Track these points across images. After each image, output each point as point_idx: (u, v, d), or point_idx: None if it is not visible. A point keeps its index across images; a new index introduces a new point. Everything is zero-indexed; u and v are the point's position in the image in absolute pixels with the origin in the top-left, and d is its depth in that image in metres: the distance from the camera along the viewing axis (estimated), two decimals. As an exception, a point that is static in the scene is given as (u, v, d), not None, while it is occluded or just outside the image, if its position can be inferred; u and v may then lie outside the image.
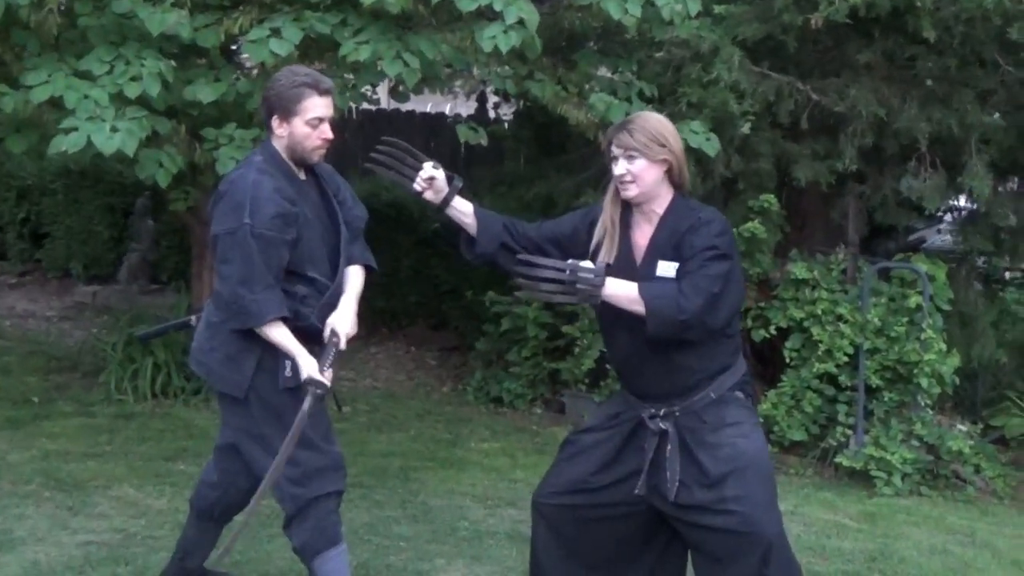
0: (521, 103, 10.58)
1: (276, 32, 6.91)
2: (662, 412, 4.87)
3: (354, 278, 5.31)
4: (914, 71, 8.85)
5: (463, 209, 5.05)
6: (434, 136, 14.17)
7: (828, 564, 6.95)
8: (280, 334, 4.99)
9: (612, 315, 4.85)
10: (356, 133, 14.21)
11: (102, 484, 7.40)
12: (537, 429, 9.86)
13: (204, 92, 7.12)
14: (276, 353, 5.05)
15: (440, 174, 4.98)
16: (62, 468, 7.67)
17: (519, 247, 4.99)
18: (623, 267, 4.85)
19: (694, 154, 8.27)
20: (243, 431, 5.19)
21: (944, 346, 9.05)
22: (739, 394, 4.91)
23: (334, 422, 7.49)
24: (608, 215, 4.95)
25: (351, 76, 7.29)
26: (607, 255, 4.89)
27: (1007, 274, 11.20)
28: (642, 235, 4.90)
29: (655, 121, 4.91)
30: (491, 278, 10.92)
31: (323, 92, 5.10)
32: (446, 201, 5.01)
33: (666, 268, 4.78)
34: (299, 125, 5.06)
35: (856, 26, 8.68)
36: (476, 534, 6.94)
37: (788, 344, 9.39)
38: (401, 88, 7.58)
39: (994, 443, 9.76)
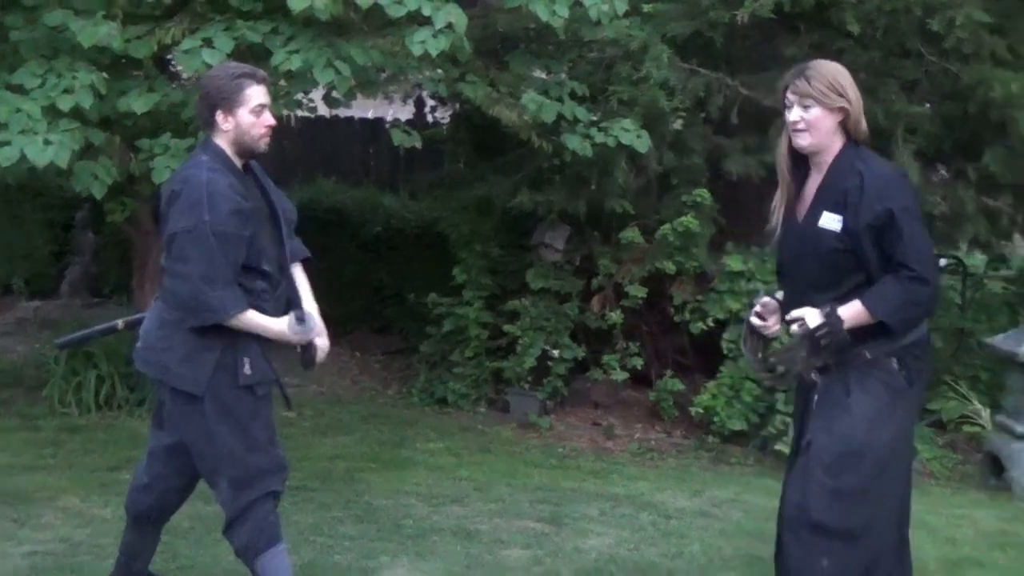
0: (457, 106, 10.67)
1: (208, 42, 6.98)
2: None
3: (302, 277, 5.43)
4: (840, 63, 8.97)
5: None
6: (373, 142, 14.24)
7: (768, 548, 6.92)
8: (247, 319, 5.04)
9: (789, 254, 4.92)
10: (295, 140, 14.27)
11: (47, 496, 7.40)
12: (482, 428, 9.95)
13: (137, 103, 7.17)
14: (235, 350, 5.10)
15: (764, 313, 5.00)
16: (7, 481, 7.67)
17: None
18: (789, 222, 4.87)
19: (626, 151, 8.42)
20: (194, 429, 5.21)
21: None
22: (894, 363, 4.77)
23: (281, 426, 7.55)
24: (781, 165, 4.92)
25: (284, 84, 7.35)
26: (781, 208, 4.91)
27: (941, 261, 11.34)
28: (812, 185, 4.84)
29: (833, 68, 4.82)
30: (433, 280, 11.00)
31: (260, 80, 5.19)
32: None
33: (829, 220, 4.70)
34: (244, 115, 5.11)
35: (783, 21, 8.82)
36: (421, 531, 7.00)
37: (726, 335, 9.51)
38: (334, 94, 7.64)
39: (932, 427, 9.91)
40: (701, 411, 9.47)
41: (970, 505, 8.36)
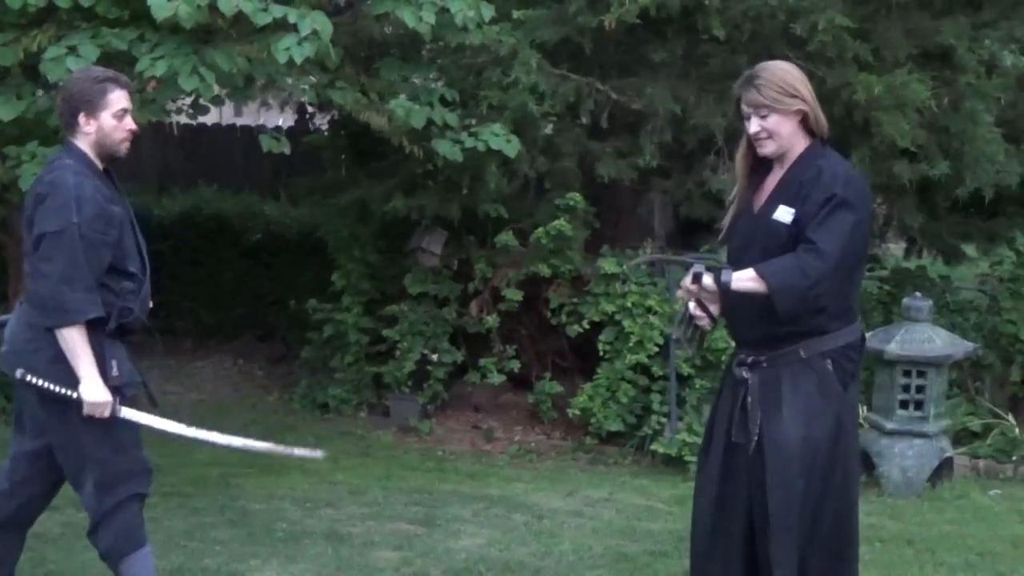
0: (336, 112, 10.71)
1: (73, 49, 6.95)
2: (750, 360, 4.76)
3: None
4: (708, 68, 9.13)
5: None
6: (253, 149, 14.20)
7: (637, 545, 7.15)
8: (79, 339, 4.99)
9: (738, 244, 4.82)
10: (177, 148, 14.23)
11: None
12: (362, 433, 10.01)
13: (4, 110, 7.13)
14: (103, 352, 5.08)
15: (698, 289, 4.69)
16: None
17: None
18: (743, 214, 4.81)
19: (497, 156, 8.51)
20: (61, 431, 5.18)
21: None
22: (828, 364, 4.68)
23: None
24: (740, 168, 4.84)
25: (151, 91, 7.34)
26: (736, 206, 4.86)
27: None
28: (772, 179, 4.75)
29: (782, 71, 4.72)
30: (314, 287, 11.02)
31: (123, 86, 5.23)
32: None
33: (783, 212, 4.62)
34: (107, 119, 5.13)
35: (651, 26, 8.94)
36: (292, 535, 7.04)
37: (602, 337, 9.62)
38: (201, 101, 7.65)
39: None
40: (578, 413, 9.57)
41: (840, 500, 8.52)
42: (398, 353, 10.23)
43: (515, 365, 10.05)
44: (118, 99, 5.17)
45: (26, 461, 5.40)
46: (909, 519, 8.02)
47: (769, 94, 4.62)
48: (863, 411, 9.38)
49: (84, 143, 5.18)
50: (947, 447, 8.91)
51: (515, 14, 9.01)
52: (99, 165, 5.22)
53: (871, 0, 9.04)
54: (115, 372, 5.13)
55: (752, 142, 4.75)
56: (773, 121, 4.64)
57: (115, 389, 5.13)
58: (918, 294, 9.18)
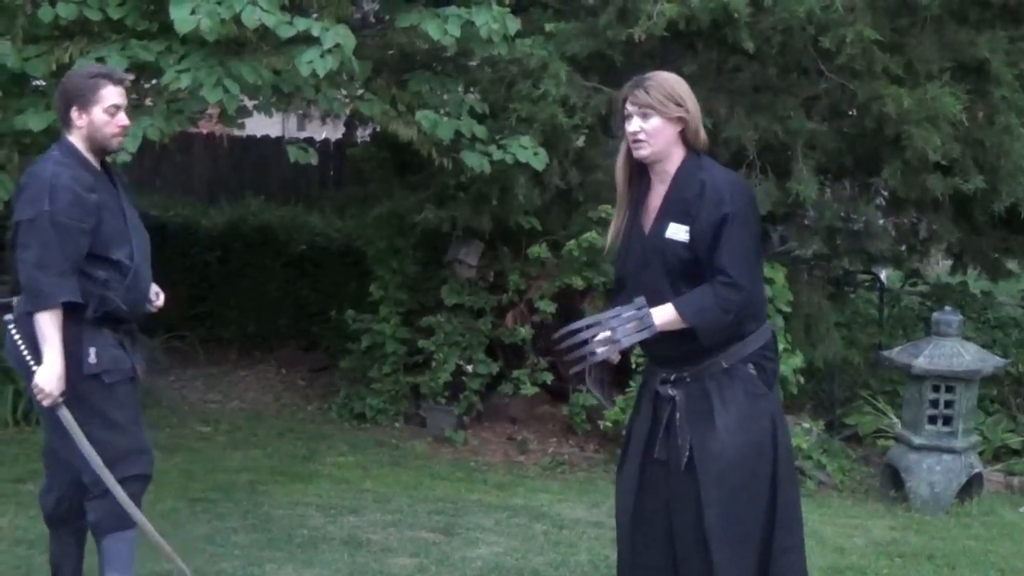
0: (378, 126, 10.79)
1: (101, 61, 7.07)
2: (672, 378, 4.85)
3: None
4: (738, 81, 9.13)
5: None
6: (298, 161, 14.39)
7: None
8: (50, 325, 5.13)
9: (633, 266, 4.91)
10: (226, 159, 14.39)
11: (-54, 505, 7.51)
12: (396, 443, 10.05)
13: (34, 120, 7.25)
14: (80, 339, 5.25)
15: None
16: (-90, 491, 7.77)
17: None
18: (634, 233, 4.91)
19: (527, 168, 8.56)
20: (52, 418, 5.30)
21: (786, 346, 9.29)
22: (751, 368, 4.85)
23: (194, 440, 7.60)
24: (619, 178, 4.95)
25: (176, 103, 7.45)
26: (619, 220, 4.97)
27: (860, 276, 11.52)
28: (656, 197, 4.87)
29: (671, 79, 4.84)
30: (357, 298, 11.10)
31: (117, 82, 5.40)
32: None
33: (676, 230, 4.74)
34: (98, 114, 5.32)
35: (681, 39, 8.96)
36: (312, 540, 7.13)
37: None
38: (230, 112, 7.75)
39: (849, 440, 10.06)
40: (610, 425, 9.57)
41: (866, 515, 8.50)
42: (434, 364, 10.29)
43: (548, 377, 10.07)
44: (110, 95, 5.34)
45: (48, 454, 5.62)
46: (933, 534, 8.01)
47: (656, 96, 4.75)
48: (897, 425, 9.39)
49: (76, 137, 5.38)
50: (976, 463, 8.86)
51: (547, 27, 9.08)
52: (92, 159, 5.38)
53: (904, 13, 8.98)
54: (92, 359, 5.28)
55: (630, 147, 4.85)
56: (654, 123, 4.75)
57: (93, 376, 5.27)
58: (948, 308, 9.15)
